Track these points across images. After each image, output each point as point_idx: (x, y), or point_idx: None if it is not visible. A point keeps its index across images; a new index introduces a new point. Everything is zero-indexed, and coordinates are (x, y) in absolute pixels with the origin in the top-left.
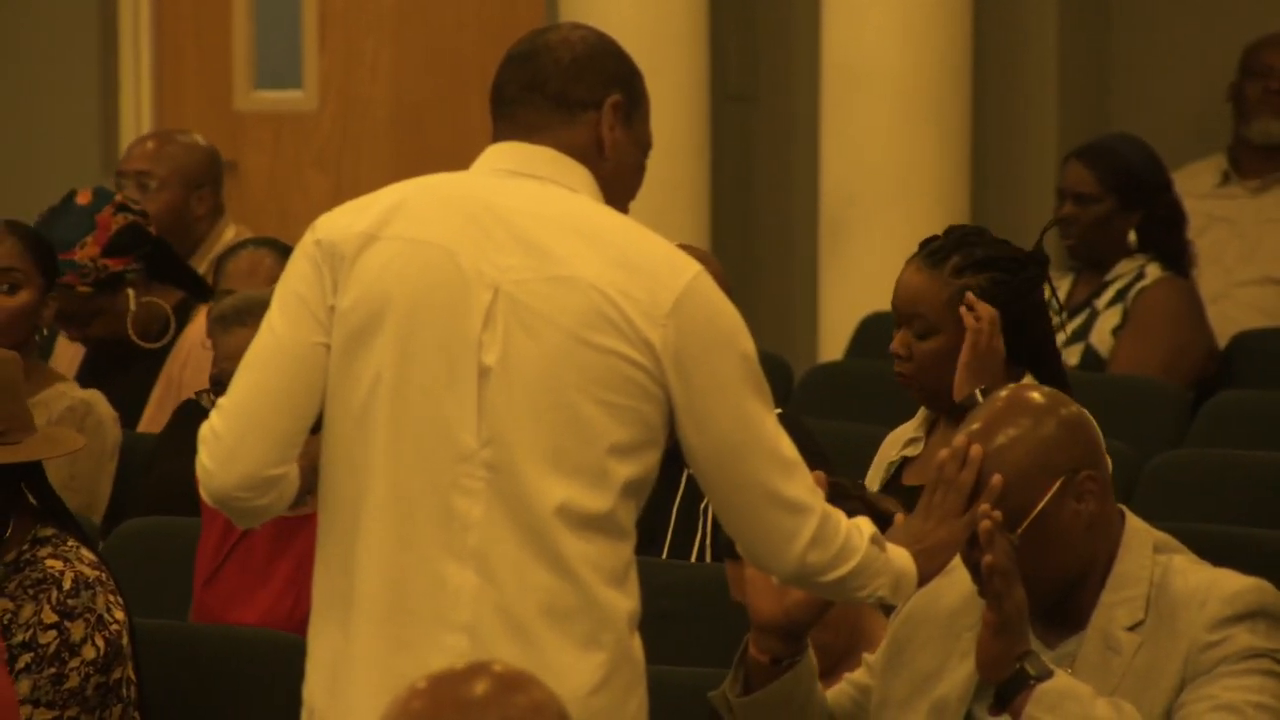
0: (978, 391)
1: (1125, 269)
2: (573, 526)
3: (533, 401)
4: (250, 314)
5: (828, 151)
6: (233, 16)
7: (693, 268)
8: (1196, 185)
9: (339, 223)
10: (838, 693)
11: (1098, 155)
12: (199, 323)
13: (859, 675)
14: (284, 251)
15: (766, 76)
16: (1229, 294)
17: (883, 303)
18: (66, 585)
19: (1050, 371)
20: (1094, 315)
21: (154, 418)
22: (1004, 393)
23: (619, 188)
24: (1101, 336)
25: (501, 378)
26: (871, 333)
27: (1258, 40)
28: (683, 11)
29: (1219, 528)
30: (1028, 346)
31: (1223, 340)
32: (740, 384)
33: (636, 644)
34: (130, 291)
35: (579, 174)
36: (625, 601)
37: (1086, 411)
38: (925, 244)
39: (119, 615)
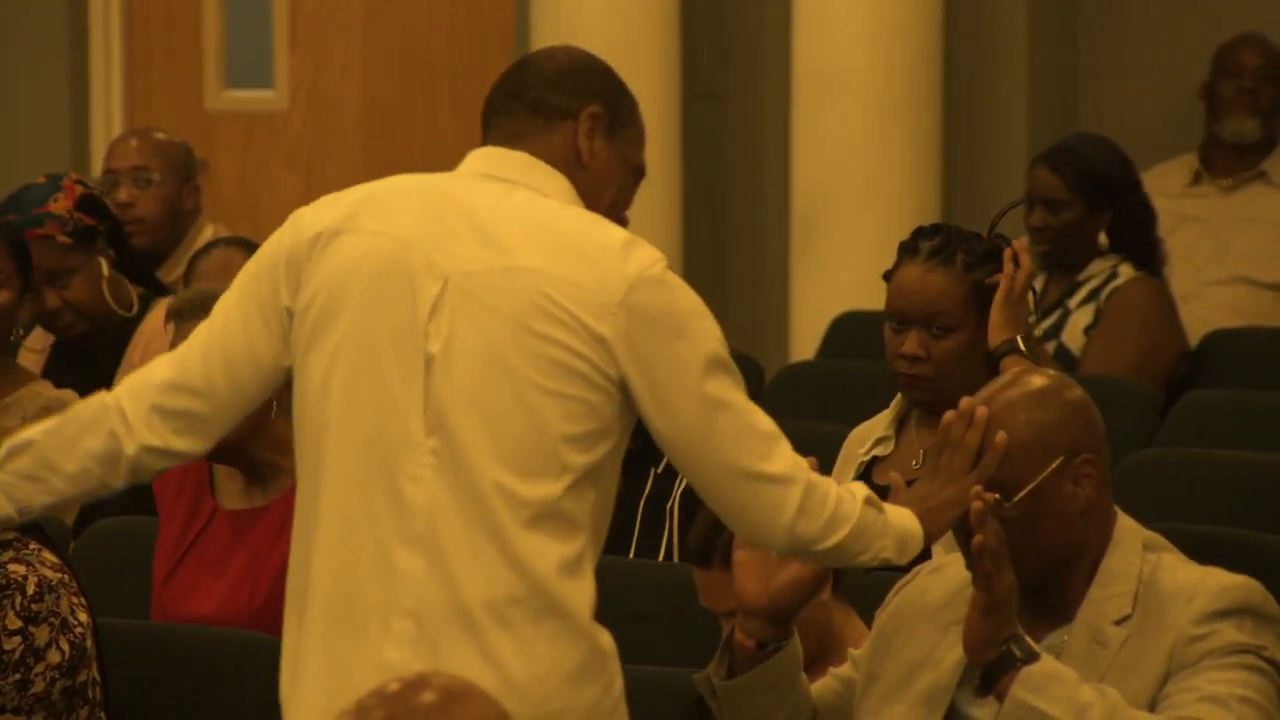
0: (1019, 339)
1: (1098, 269)
2: (520, 515)
3: (475, 390)
4: (205, 309)
5: (799, 151)
6: (203, 16)
7: (649, 257)
8: (1167, 184)
9: (306, 220)
10: (822, 686)
11: (1064, 159)
12: (157, 313)
13: (844, 669)
14: (255, 250)
15: (737, 76)
16: (1200, 293)
17: (855, 302)
18: (30, 590)
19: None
20: (1066, 314)
21: None
22: (1008, 375)
23: (600, 199)
24: (1074, 335)
25: (444, 366)
26: (843, 332)
27: (1231, 39)
28: (654, 11)
29: (1190, 527)
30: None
31: (1194, 339)
32: (701, 369)
33: (597, 631)
34: (102, 260)
35: (553, 180)
36: (576, 592)
37: (1090, 399)
38: (913, 245)
39: (82, 617)
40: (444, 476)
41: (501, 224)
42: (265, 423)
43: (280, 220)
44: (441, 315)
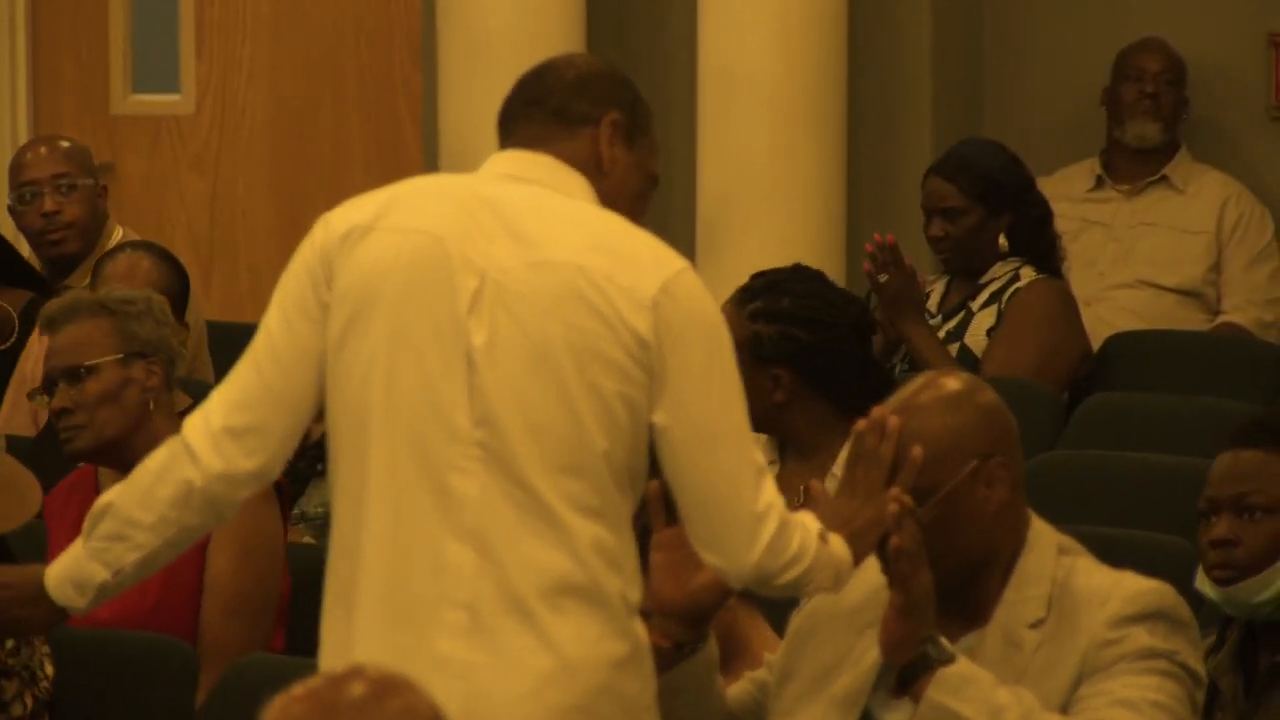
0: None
1: (1000, 271)
2: (569, 503)
3: (518, 384)
4: (77, 312)
5: (704, 155)
6: (109, 20)
7: (681, 262)
8: (1070, 189)
9: (335, 219)
10: (738, 690)
11: (957, 167)
12: None
13: (759, 673)
14: (161, 254)
15: (642, 81)
16: (1103, 297)
17: None
18: (9, 644)
19: None
20: (969, 316)
21: (9, 416)
22: (921, 379)
23: (618, 206)
24: (976, 337)
25: (488, 360)
26: None
27: (1132, 44)
28: (559, 14)
29: (1094, 529)
30: (846, 395)
31: (1097, 343)
32: (723, 378)
33: (639, 627)
34: None
35: (576, 181)
36: (623, 584)
37: (1003, 402)
38: (755, 276)
39: (49, 670)
40: (492, 468)
41: (532, 221)
42: (145, 421)
43: (187, 223)
44: (481, 310)
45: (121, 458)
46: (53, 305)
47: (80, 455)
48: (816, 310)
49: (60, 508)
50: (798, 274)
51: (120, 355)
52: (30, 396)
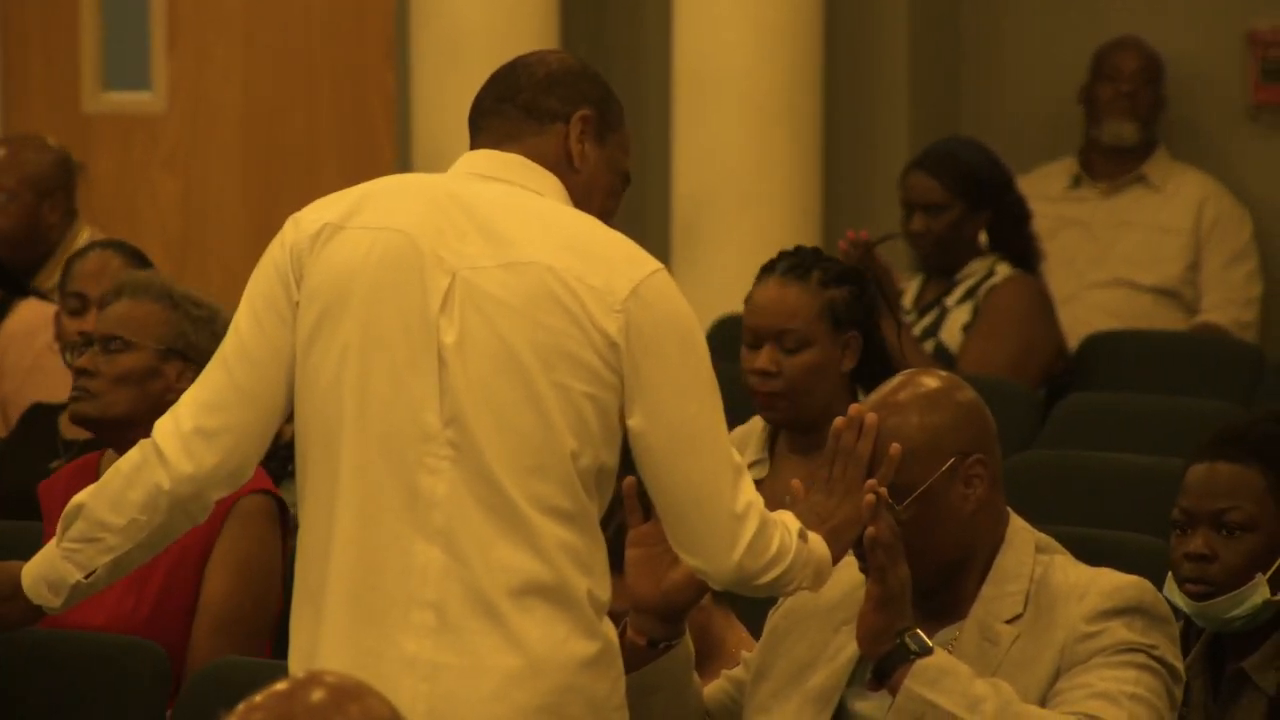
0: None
1: (976, 268)
2: (536, 505)
3: (488, 383)
4: (145, 290)
5: (680, 156)
6: (80, 18)
7: (653, 264)
8: (1047, 188)
9: (306, 218)
10: (715, 689)
11: (940, 163)
12: (16, 316)
13: (736, 672)
14: (131, 253)
15: (617, 80)
16: (1080, 296)
17: (735, 306)
18: None
19: None
20: (944, 312)
21: None
22: (899, 378)
23: (590, 203)
24: (951, 333)
25: (458, 358)
26: (724, 337)
27: (1109, 43)
28: (534, 17)
29: (1072, 529)
30: (880, 355)
31: (1074, 342)
32: (697, 380)
33: (608, 627)
34: None
35: (547, 180)
36: (591, 585)
37: (981, 400)
38: (775, 263)
39: None
40: (462, 467)
41: (504, 221)
42: (155, 416)
43: (159, 223)
44: (452, 309)
45: (120, 441)
46: (130, 276)
47: (81, 419)
48: (846, 269)
49: (61, 495)
50: (800, 250)
51: (162, 347)
52: (64, 352)
